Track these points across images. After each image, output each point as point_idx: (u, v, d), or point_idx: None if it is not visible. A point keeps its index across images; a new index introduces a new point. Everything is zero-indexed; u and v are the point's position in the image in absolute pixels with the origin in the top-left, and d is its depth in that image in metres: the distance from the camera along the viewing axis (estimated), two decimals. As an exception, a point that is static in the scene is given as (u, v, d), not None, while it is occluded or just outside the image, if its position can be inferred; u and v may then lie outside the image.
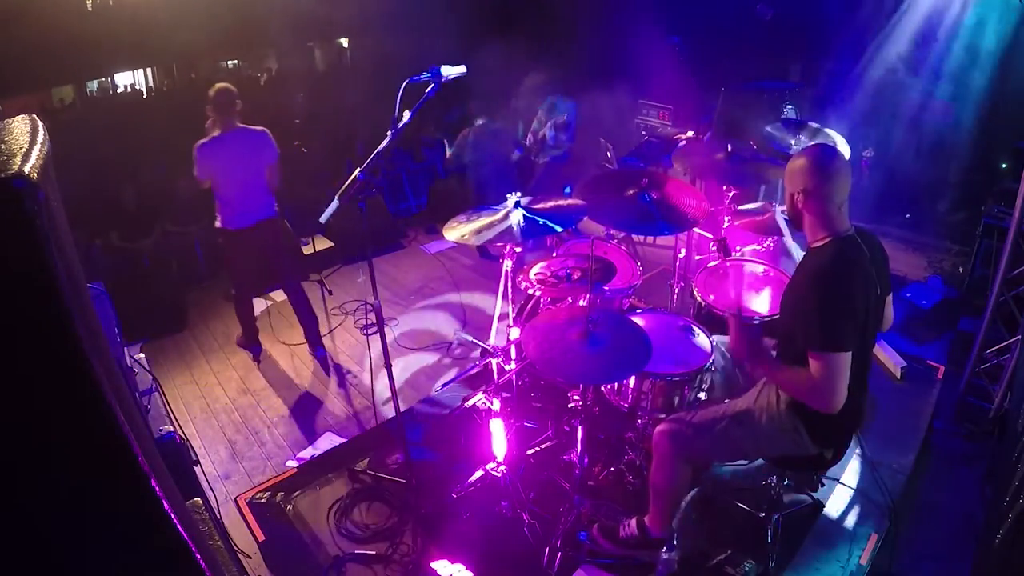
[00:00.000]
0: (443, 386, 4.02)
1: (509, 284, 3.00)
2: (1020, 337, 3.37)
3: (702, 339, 2.81)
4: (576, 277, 2.95)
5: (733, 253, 3.36)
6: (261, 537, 2.98)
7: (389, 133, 2.46)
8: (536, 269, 3.14)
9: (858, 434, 3.03)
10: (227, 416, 3.94)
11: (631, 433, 3.01)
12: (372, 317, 3.17)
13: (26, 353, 0.83)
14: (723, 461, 2.87)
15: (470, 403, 3.53)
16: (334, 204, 2.49)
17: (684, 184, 3.31)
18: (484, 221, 2.73)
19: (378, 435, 3.60)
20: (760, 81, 5.59)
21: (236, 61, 8.79)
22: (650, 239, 5.46)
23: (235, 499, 3.23)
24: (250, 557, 2.87)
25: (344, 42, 9.48)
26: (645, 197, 3.07)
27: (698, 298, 3.13)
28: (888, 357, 3.89)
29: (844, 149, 3.59)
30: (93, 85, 7.71)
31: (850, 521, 2.91)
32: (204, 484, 2.93)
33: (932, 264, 5.26)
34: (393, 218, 6.62)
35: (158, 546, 1.02)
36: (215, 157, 3.74)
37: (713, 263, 3.36)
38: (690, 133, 5.41)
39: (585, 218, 2.98)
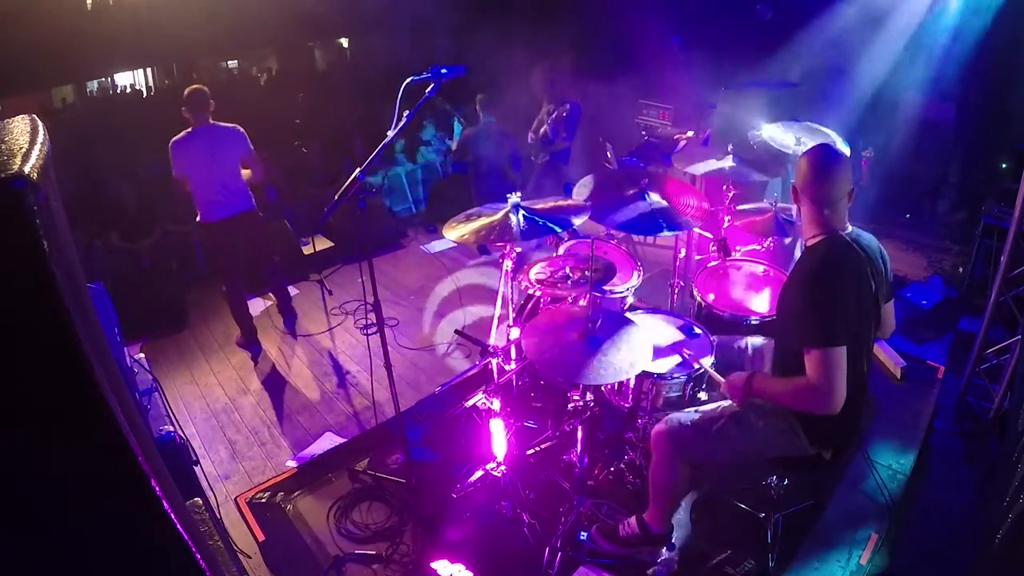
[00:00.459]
0: (443, 386, 4.01)
1: (509, 284, 3.00)
2: (1020, 337, 3.37)
3: (702, 339, 2.81)
4: (576, 277, 2.95)
5: (733, 253, 3.36)
6: (261, 537, 2.98)
7: (389, 133, 2.47)
8: (536, 269, 3.14)
9: (858, 435, 3.03)
10: (227, 416, 3.94)
11: (631, 433, 3.01)
12: (372, 317, 3.17)
13: (26, 353, 0.83)
14: (722, 461, 2.87)
15: (470, 403, 3.52)
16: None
17: (684, 184, 3.31)
18: (484, 221, 2.72)
19: (378, 435, 3.60)
20: (760, 81, 5.58)
21: (236, 61, 8.80)
22: (650, 239, 5.46)
23: (235, 499, 3.23)
24: (250, 557, 2.87)
25: (344, 42, 9.49)
26: (645, 197, 3.07)
27: (698, 298, 3.13)
28: (888, 357, 3.89)
29: (843, 149, 3.58)
30: (93, 85, 7.72)
31: (850, 521, 2.90)
32: (204, 484, 2.93)
33: (932, 264, 5.27)
34: (393, 218, 6.63)
35: (158, 546, 1.02)
36: (187, 152, 3.95)
37: (713, 263, 3.37)
38: (690, 133, 5.41)
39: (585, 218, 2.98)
